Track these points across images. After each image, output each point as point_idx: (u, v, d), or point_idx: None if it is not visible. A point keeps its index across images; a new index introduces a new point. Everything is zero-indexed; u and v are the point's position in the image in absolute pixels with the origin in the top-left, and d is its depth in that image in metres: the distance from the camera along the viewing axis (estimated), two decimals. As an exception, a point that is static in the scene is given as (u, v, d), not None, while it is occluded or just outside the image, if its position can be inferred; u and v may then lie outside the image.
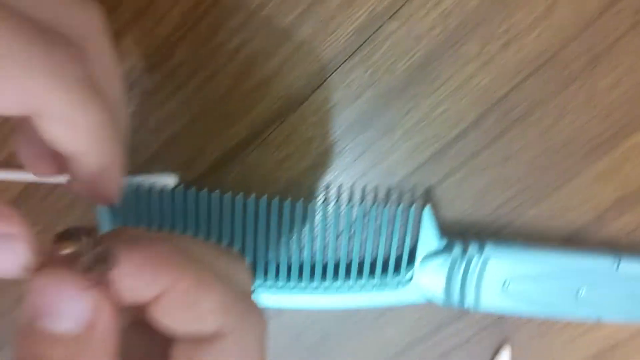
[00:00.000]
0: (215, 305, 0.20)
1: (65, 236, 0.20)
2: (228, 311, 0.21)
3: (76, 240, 0.20)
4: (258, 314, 0.22)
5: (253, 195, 0.41)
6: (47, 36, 0.19)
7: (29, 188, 0.43)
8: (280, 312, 0.46)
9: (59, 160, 0.25)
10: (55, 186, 0.43)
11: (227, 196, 0.41)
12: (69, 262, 0.20)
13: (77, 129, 0.20)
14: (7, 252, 0.17)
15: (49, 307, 0.18)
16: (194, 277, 0.20)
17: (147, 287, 0.20)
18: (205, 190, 0.41)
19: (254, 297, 0.23)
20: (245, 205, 0.41)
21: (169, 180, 0.42)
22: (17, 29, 0.18)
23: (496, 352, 0.46)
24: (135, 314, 0.23)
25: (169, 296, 0.20)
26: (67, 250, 0.20)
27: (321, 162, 0.41)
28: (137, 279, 0.20)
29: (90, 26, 0.23)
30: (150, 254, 0.20)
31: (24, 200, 0.44)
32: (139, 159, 0.42)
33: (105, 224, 0.41)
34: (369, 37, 0.38)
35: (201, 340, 0.20)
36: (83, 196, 0.24)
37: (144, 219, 0.41)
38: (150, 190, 0.41)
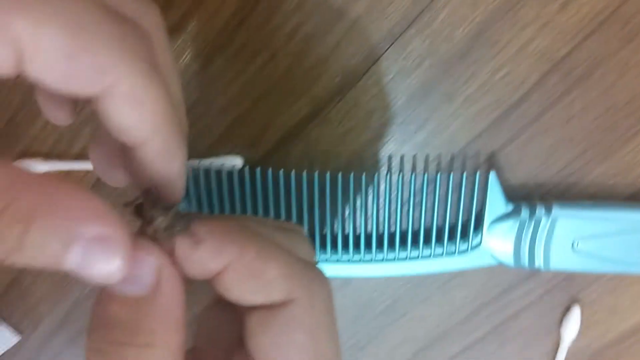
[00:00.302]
0: (280, 273, 0.21)
1: (140, 204, 0.22)
2: (293, 279, 0.22)
3: (150, 208, 0.21)
4: (324, 282, 0.23)
5: (317, 171, 0.41)
6: (120, 17, 0.19)
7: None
8: (348, 281, 0.47)
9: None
10: (129, 174, 0.45)
11: (292, 174, 0.41)
12: (142, 228, 0.21)
13: (144, 110, 0.20)
14: (101, 255, 0.18)
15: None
16: (257, 248, 0.21)
17: (214, 258, 0.21)
18: (270, 169, 0.41)
19: (318, 267, 0.24)
20: (310, 181, 0.42)
21: (235, 162, 0.43)
22: (95, 6, 0.18)
23: (565, 311, 0.46)
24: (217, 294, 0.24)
25: (235, 267, 0.21)
26: (146, 217, 0.21)
27: (383, 133, 0.42)
28: (204, 250, 0.21)
29: (152, 17, 0.23)
30: (217, 227, 0.21)
31: (97, 191, 0.45)
32: (206, 142, 0.43)
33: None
34: (426, 7, 0.38)
35: (272, 307, 0.21)
36: (144, 191, 0.23)
37: (214, 201, 0.42)
38: (218, 172, 0.42)
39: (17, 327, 0.54)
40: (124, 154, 0.23)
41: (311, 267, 0.23)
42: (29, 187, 0.17)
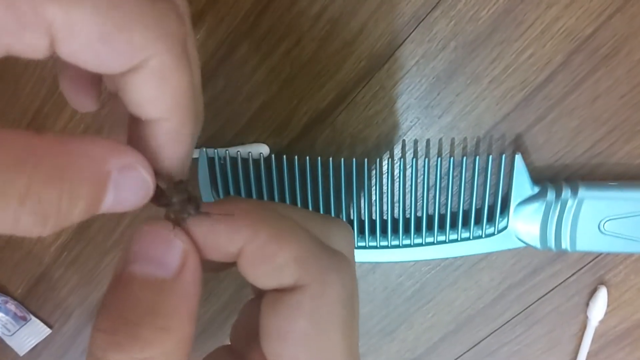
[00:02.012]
0: (291, 257, 0.21)
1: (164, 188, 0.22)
2: (306, 262, 0.21)
3: (170, 192, 0.21)
4: (344, 272, 0.22)
5: (343, 157, 0.42)
6: None
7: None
8: (376, 266, 0.47)
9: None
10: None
11: (319, 160, 0.42)
12: (165, 210, 0.21)
13: (168, 87, 0.20)
14: (132, 181, 0.18)
15: (144, 252, 0.20)
16: (271, 230, 0.21)
17: (229, 240, 0.21)
18: (296, 156, 0.42)
19: (344, 256, 0.23)
20: (336, 168, 0.42)
21: (262, 150, 0.43)
22: None
23: (592, 292, 0.46)
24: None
25: (248, 249, 0.21)
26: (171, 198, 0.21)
27: (409, 117, 0.42)
28: (220, 231, 0.21)
29: (183, 1, 0.23)
30: (230, 207, 0.21)
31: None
32: (233, 130, 0.43)
33: (206, 195, 0.43)
34: (451, -12, 0.39)
35: (282, 291, 0.21)
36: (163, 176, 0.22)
37: (241, 188, 0.43)
38: (245, 160, 0.42)
39: (47, 321, 0.54)
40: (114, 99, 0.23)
41: (331, 254, 0.22)
42: (50, 149, 0.16)
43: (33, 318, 0.53)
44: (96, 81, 0.26)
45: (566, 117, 0.41)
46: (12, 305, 0.53)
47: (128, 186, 0.18)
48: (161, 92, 0.20)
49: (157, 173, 0.21)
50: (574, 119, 0.41)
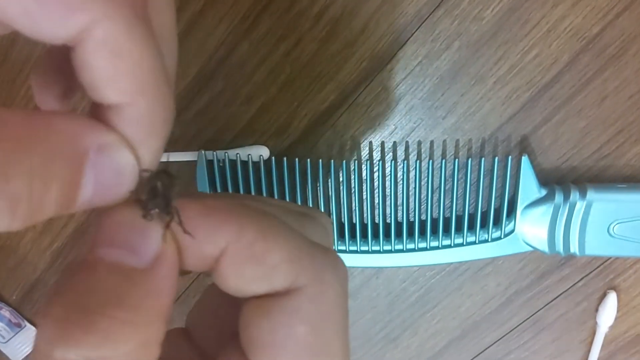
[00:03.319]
0: (285, 256, 0.18)
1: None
2: (301, 264, 0.19)
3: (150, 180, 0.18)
4: (338, 270, 0.20)
5: (344, 160, 0.41)
6: None
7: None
8: (379, 271, 0.46)
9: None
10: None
11: (320, 162, 0.41)
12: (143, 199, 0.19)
13: (124, 64, 0.17)
14: (113, 163, 0.16)
15: (115, 236, 0.17)
16: (258, 227, 0.18)
17: (209, 239, 0.18)
18: (297, 158, 0.41)
19: (333, 252, 0.21)
20: (337, 170, 0.41)
21: (262, 152, 0.42)
22: None
23: (602, 297, 0.45)
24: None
25: (234, 249, 0.18)
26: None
27: (412, 118, 0.41)
28: (200, 227, 0.18)
29: None
30: (213, 203, 0.19)
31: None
32: (232, 132, 0.42)
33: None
34: (455, -14, 0.38)
35: (273, 296, 0.18)
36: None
37: (241, 191, 0.42)
38: (244, 163, 0.41)
39: (41, 327, 0.53)
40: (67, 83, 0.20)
41: (323, 251, 0.20)
42: (18, 122, 0.15)
43: (28, 325, 0.52)
44: (66, 77, 0.23)
45: (573, 118, 0.40)
46: (6, 312, 0.52)
47: (108, 169, 0.16)
48: (116, 69, 0.17)
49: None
50: (582, 120, 0.40)
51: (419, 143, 0.42)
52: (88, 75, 0.17)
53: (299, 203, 0.42)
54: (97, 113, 0.18)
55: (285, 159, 0.41)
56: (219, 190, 0.42)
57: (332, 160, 0.41)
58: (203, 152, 0.42)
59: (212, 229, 0.18)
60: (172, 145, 0.43)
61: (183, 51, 0.41)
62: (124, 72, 0.17)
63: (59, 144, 0.15)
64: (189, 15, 0.40)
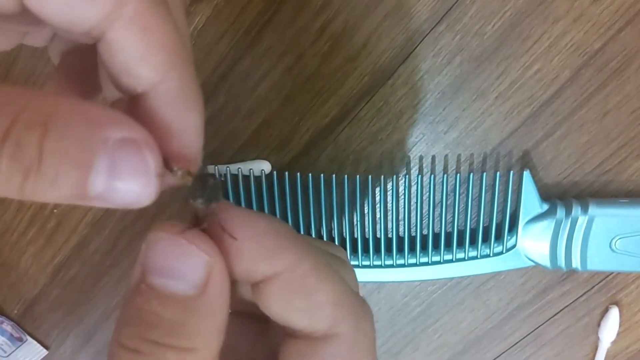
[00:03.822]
0: (330, 298, 0.18)
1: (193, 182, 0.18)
2: (342, 307, 0.19)
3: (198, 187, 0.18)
4: (369, 317, 0.20)
5: (347, 174, 0.41)
6: None
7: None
8: (381, 286, 0.46)
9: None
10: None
11: (322, 177, 0.41)
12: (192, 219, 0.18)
13: (154, 39, 0.17)
14: (133, 160, 0.16)
15: (162, 263, 0.17)
16: (314, 263, 0.18)
17: (266, 260, 0.18)
18: (298, 173, 0.41)
19: (363, 298, 0.21)
20: (339, 185, 0.41)
21: (263, 166, 0.42)
22: None
23: (604, 312, 0.45)
24: (245, 303, 0.21)
25: (286, 277, 0.18)
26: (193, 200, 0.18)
27: (413, 133, 0.41)
28: (259, 247, 0.18)
29: None
30: (276, 226, 0.18)
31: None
32: (233, 147, 0.42)
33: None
34: (456, 2, 0.38)
35: (313, 339, 0.19)
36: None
37: (243, 206, 0.42)
38: (246, 177, 0.41)
39: (43, 341, 0.53)
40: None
41: (361, 300, 0.20)
42: (40, 96, 0.15)
43: (29, 339, 0.52)
44: (82, 84, 0.23)
45: (575, 133, 0.40)
46: (8, 326, 0.52)
47: (127, 164, 0.16)
48: (147, 45, 0.17)
49: (167, 162, 0.17)
50: (583, 135, 0.40)
51: (421, 158, 0.42)
52: (119, 58, 0.17)
53: (301, 218, 0.41)
54: (132, 108, 0.18)
55: (287, 173, 0.41)
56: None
57: (334, 175, 0.41)
58: (205, 166, 0.42)
59: (274, 251, 0.18)
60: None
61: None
62: (155, 47, 0.17)
63: (78, 124, 0.15)
64: (191, 30, 0.40)
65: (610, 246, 0.40)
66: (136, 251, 0.46)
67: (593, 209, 0.39)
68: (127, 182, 0.16)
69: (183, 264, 0.17)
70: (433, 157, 0.42)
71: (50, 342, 0.53)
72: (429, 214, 0.42)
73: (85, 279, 0.49)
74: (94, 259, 0.48)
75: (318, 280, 0.18)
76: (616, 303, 0.45)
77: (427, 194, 0.42)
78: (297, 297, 0.18)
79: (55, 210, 0.47)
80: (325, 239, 0.42)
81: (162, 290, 0.17)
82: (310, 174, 0.40)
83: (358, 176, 0.40)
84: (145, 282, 0.17)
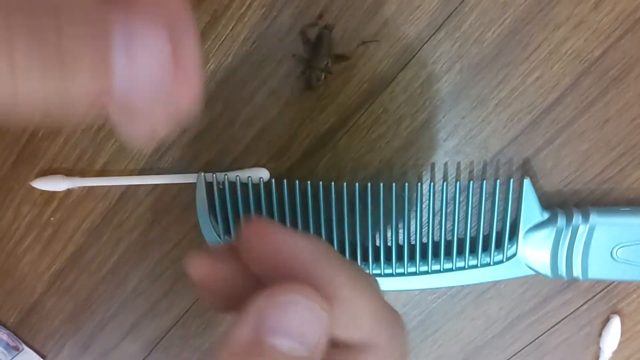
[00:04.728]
0: (367, 308, 0.18)
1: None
2: (378, 318, 0.19)
3: None
4: (403, 327, 0.20)
5: (345, 182, 0.40)
6: None
7: (131, 187, 0.45)
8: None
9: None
10: (153, 189, 0.44)
11: (320, 185, 0.40)
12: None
13: None
14: (148, 32, 0.15)
15: (288, 324, 0.16)
16: (349, 274, 0.18)
17: (305, 274, 0.17)
18: (297, 181, 0.40)
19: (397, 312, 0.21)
20: (338, 193, 0.41)
21: (261, 174, 0.42)
22: None
23: (605, 322, 0.45)
24: None
25: (324, 290, 0.17)
26: None
27: (413, 140, 0.41)
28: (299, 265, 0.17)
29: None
30: (315, 242, 0.18)
31: (128, 198, 0.45)
32: (232, 153, 0.42)
33: (204, 220, 0.42)
34: (455, 9, 0.38)
35: (350, 349, 0.18)
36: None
37: (241, 213, 0.41)
38: (245, 184, 0.41)
39: (40, 350, 0.53)
40: None
41: (391, 309, 0.20)
42: None
43: (26, 348, 0.51)
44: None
45: (575, 140, 0.40)
46: (4, 335, 0.51)
47: (142, 38, 0.15)
48: None
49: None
50: (584, 143, 0.40)
51: (420, 165, 0.41)
52: None
53: (299, 225, 0.41)
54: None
55: (285, 181, 0.40)
56: (217, 211, 0.41)
57: (332, 183, 0.40)
58: (202, 174, 0.41)
59: (312, 265, 0.17)
60: (171, 167, 0.43)
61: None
62: None
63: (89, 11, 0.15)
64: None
65: (611, 255, 0.40)
66: (133, 260, 0.45)
67: (594, 218, 0.39)
68: (147, 57, 0.15)
69: (307, 325, 0.16)
70: (432, 165, 0.41)
71: (46, 351, 0.53)
72: (428, 223, 0.41)
73: (82, 287, 0.49)
74: (90, 268, 0.48)
75: (354, 292, 0.18)
76: (617, 312, 0.44)
77: (427, 202, 0.41)
78: (336, 309, 0.17)
79: (52, 218, 0.47)
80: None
81: (286, 352, 0.16)
82: (308, 182, 0.40)
83: (357, 184, 0.40)
84: (265, 341, 0.16)
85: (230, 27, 0.39)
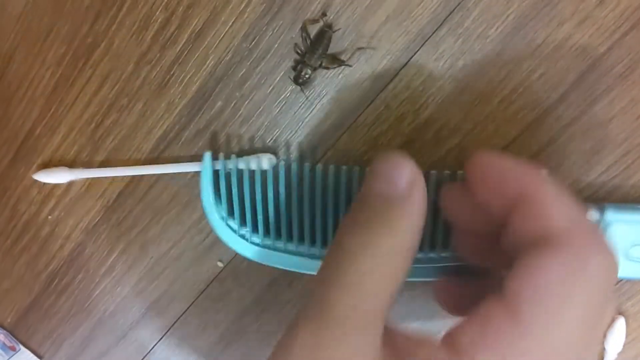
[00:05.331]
0: (566, 209, 0.23)
1: None
2: (576, 224, 0.22)
3: None
4: (610, 252, 0.23)
5: (357, 166, 0.39)
6: None
7: (130, 185, 0.44)
8: (412, 285, 0.45)
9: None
10: (156, 180, 0.43)
11: (331, 168, 0.39)
12: None
13: None
14: None
15: (378, 171, 0.26)
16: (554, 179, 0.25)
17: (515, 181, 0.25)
18: (306, 164, 0.39)
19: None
20: (350, 175, 0.39)
21: (268, 159, 0.41)
22: None
23: (610, 323, 0.44)
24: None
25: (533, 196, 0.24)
26: None
27: (415, 138, 0.40)
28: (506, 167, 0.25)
29: None
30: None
31: (127, 196, 0.44)
32: (232, 152, 0.42)
33: (209, 205, 0.40)
34: (458, 5, 0.37)
35: (549, 246, 0.22)
36: None
37: (246, 198, 0.40)
38: (252, 170, 0.40)
39: (37, 351, 0.52)
40: None
41: (592, 225, 0.24)
42: None
43: (22, 348, 0.51)
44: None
45: (580, 138, 0.39)
46: (0, 335, 0.51)
47: None
48: None
49: None
50: (589, 141, 0.39)
51: (422, 163, 0.41)
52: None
53: (307, 210, 0.40)
54: None
55: (293, 164, 0.40)
56: (223, 191, 0.40)
57: (344, 167, 0.39)
58: (209, 152, 0.40)
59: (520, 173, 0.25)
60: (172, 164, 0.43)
61: (182, 69, 0.40)
62: None
63: None
64: (188, 34, 0.40)
65: (626, 254, 0.39)
66: (132, 259, 0.45)
67: (610, 215, 0.38)
68: None
69: (393, 171, 0.26)
70: (435, 163, 0.41)
71: (43, 351, 0.52)
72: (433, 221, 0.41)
73: (79, 287, 0.49)
74: (88, 267, 0.48)
75: (560, 196, 0.24)
76: (622, 313, 0.44)
77: (430, 199, 0.41)
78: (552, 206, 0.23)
79: (49, 217, 0.46)
80: (332, 230, 0.40)
81: (378, 190, 0.26)
82: (318, 165, 0.39)
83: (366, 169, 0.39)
84: (367, 185, 0.27)
85: (230, 24, 0.39)
